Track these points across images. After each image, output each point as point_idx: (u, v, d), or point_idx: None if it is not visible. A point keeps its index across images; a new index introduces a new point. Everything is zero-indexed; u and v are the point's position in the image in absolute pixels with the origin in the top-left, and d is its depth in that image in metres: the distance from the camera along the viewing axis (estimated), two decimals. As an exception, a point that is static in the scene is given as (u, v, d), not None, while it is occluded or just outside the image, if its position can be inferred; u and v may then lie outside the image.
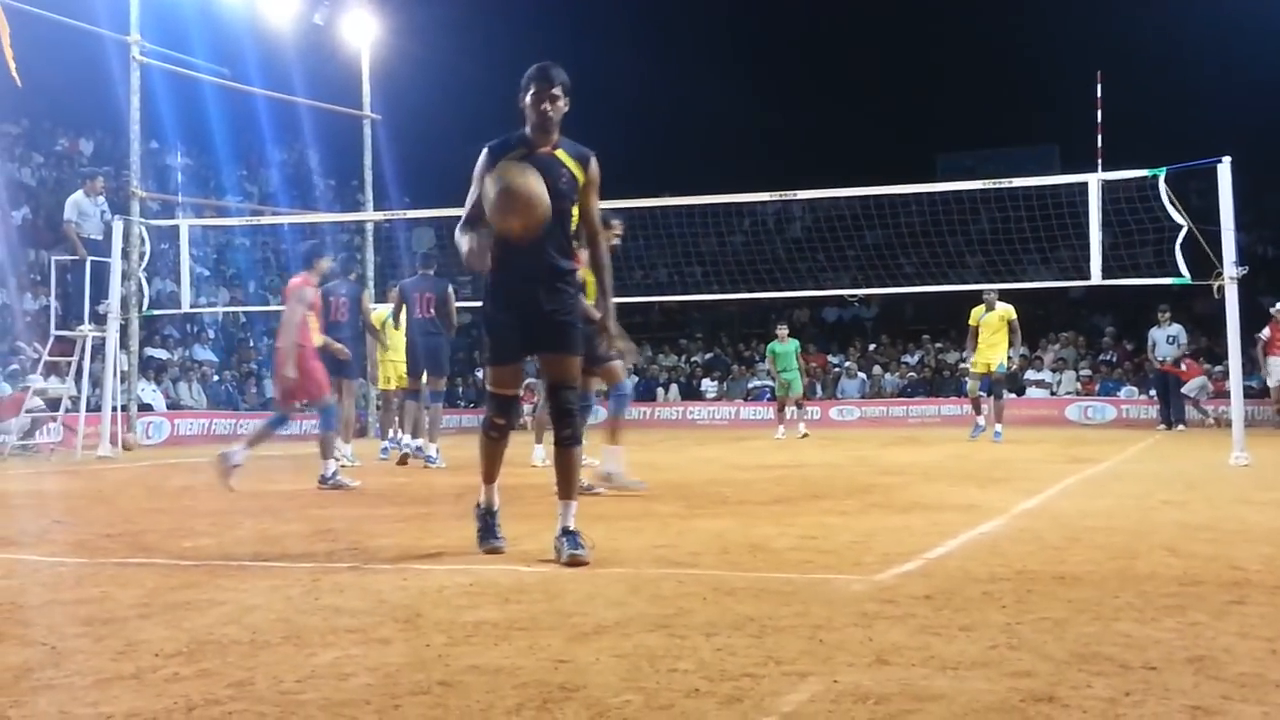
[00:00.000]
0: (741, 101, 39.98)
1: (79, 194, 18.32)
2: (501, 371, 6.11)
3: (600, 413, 20.64)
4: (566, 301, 6.04)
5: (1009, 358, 18.81)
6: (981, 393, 18.96)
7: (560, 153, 6.01)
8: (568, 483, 6.05)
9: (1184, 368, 23.69)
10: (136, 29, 20.15)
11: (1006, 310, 18.48)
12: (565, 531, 5.87)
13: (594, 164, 6.08)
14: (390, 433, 15.90)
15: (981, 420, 18.68)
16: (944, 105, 39.86)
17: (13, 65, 16.69)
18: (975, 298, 19.56)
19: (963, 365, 28.96)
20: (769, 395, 21.61)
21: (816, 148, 38.01)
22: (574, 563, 5.65)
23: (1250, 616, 4.30)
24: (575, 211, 6.06)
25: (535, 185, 5.65)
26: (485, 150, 5.99)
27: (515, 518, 7.67)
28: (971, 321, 18.92)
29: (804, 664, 3.63)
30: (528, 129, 6.01)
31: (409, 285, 14.27)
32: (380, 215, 23.94)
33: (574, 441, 6.06)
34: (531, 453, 13.15)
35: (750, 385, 30.69)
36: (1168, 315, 23.02)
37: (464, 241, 5.90)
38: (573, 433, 6.04)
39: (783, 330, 20.96)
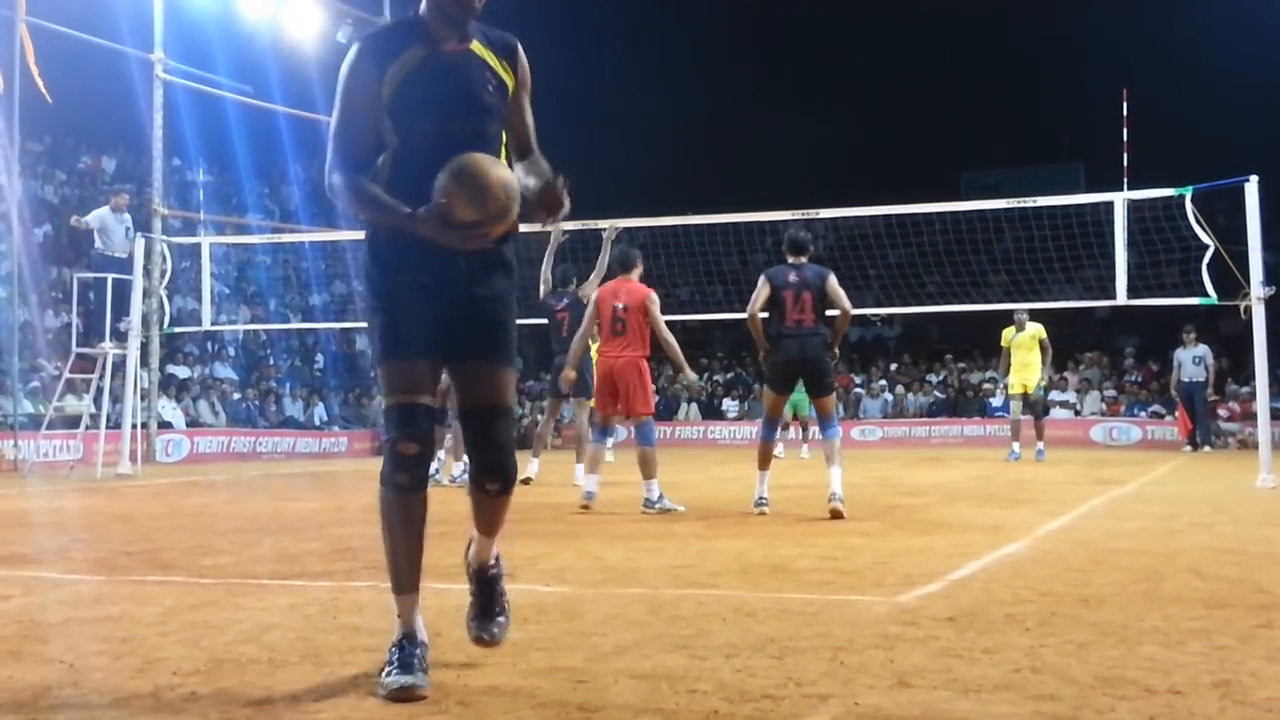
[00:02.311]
0: (765, 119, 40.00)
1: (104, 209, 18.55)
2: (407, 369, 3.90)
3: (621, 432, 20.41)
4: (500, 284, 3.99)
5: (1044, 376, 18.83)
6: (1022, 416, 18.91)
7: (477, 47, 3.95)
8: (489, 522, 4.19)
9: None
10: (160, 47, 20.27)
11: (1038, 330, 18.48)
12: (480, 577, 4.20)
13: (522, 56, 4.10)
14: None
15: (1017, 446, 18.60)
16: (968, 123, 39.80)
17: (40, 82, 16.83)
18: (999, 317, 19.47)
19: (986, 385, 29.01)
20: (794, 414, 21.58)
21: (839, 166, 38.02)
22: (482, 643, 4.09)
23: (1278, 640, 4.26)
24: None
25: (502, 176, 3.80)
26: (357, 47, 3.91)
27: (530, 537, 7.67)
28: (1004, 343, 18.89)
29: (825, 686, 3.60)
30: (424, 10, 3.93)
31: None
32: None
33: (505, 492, 4.09)
34: (573, 472, 13.27)
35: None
36: (1193, 336, 22.87)
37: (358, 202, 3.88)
38: (505, 484, 4.06)
39: None
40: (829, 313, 9.72)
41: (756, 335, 9.69)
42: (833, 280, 9.57)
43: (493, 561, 4.21)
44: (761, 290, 9.55)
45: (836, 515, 8.86)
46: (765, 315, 9.70)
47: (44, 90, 17.01)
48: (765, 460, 9.75)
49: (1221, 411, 25.32)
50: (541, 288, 13.85)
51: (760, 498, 9.44)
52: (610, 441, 20.32)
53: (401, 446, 3.89)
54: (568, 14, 33.61)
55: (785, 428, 20.74)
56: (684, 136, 40.49)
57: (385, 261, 3.92)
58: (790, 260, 9.64)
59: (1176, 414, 24.07)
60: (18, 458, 17.76)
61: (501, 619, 4.12)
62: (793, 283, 9.46)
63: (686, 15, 40.58)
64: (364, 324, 4.22)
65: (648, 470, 9.86)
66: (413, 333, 3.89)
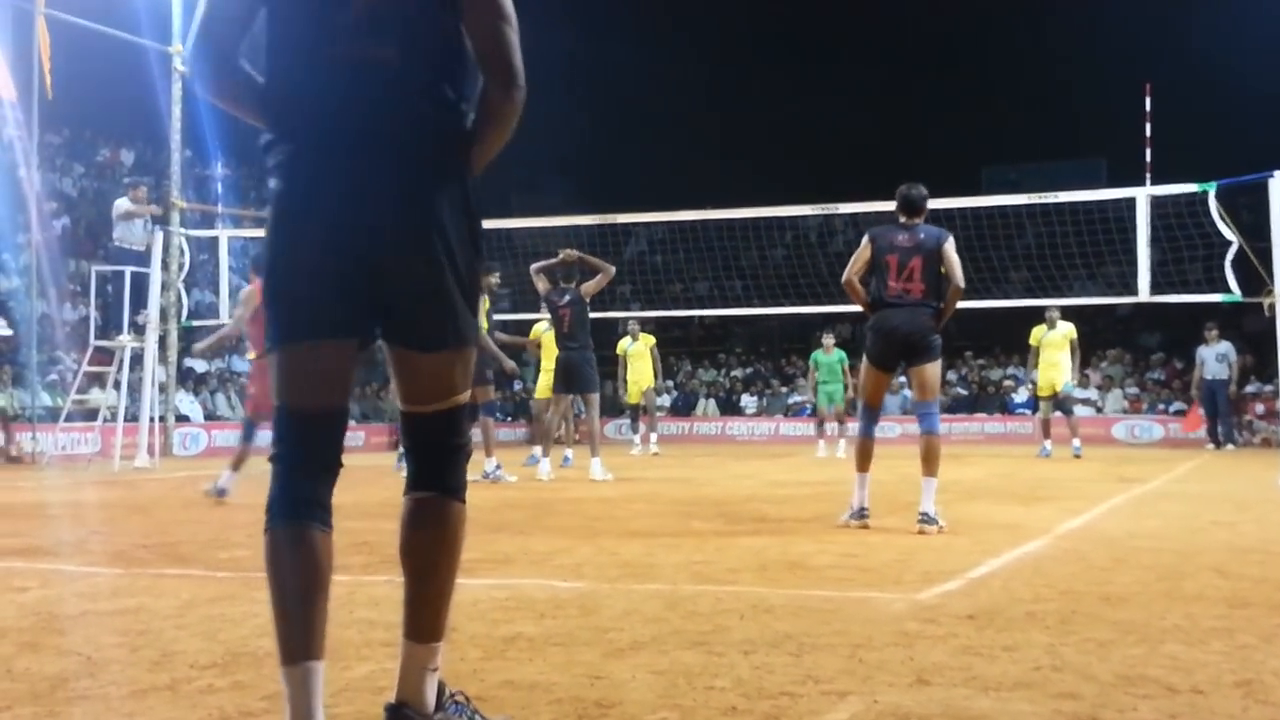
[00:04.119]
0: (786, 114, 39.96)
1: (124, 200, 18.61)
2: (308, 356, 2.91)
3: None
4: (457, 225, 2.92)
5: (1073, 376, 18.76)
6: (1052, 415, 18.83)
7: None
8: (434, 614, 3.03)
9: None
10: (178, 39, 20.33)
11: (1069, 330, 18.39)
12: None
13: None
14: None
15: (1049, 443, 18.54)
16: (989, 118, 39.64)
17: (48, 78, 16.84)
18: (1020, 314, 19.36)
19: (1006, 382, 28.91)
20: (809, 411, 21.40)
21: (860, 161, 37.93)
22: None
23: (1302, 640, 4.21)
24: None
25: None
26: None
27: (547, 532, 7.66)
28: (1033, 341, 18.77)
29: (843, 683, 3.58)
30: None
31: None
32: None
33: (441, 537, 2.98)
34: (590, 468, 13.17)
35: (790, 401, 30.58)
36: (1215, 333, 22.77)
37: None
38: (442, 513, 2.98)
39: (829, 340, 20.39)
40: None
41: (858, 299, 8.47)
42: (950, 246, 8.35)
43: (430, 693, 2.99)
44: (862, 252, 8.33)
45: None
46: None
47: (48, 86, 17.02)
48: (865, 459, 8.39)
49: (1259, 408, 25.18)
50: (539, 285, 13.30)
51: (861, 508, 8.19)
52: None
53: (297, 476, 3.02)
54: (586, 6, 33.60)
55: (821, 424, 20.61)
56: (705, 131, 40.47)
57: (288, 205, 3.21)
58: (903, 220, 8.37)
59: (1187, 410, 24.01)
60: (36, 450, 17.84)
61: None
62: (901, 245, 8.23)
63: (708, 8, 40.56)
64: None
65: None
66: (314, 304, 3.04)
